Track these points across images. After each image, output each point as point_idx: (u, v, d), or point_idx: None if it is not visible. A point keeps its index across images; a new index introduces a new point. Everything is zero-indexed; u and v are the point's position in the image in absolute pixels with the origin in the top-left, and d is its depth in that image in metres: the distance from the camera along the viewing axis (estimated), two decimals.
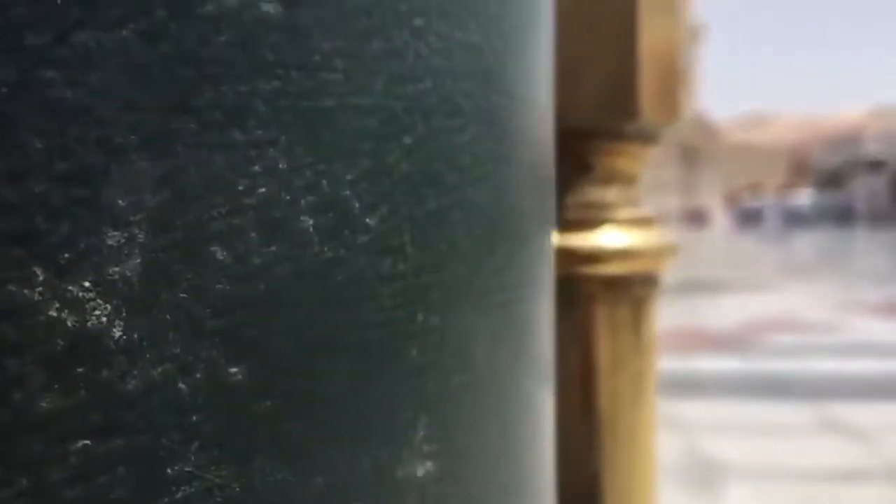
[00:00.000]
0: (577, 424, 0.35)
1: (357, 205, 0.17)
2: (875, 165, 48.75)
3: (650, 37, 0.33)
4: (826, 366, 5.72)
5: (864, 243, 25.60)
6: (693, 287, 11.45)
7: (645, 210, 0.36)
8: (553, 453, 0.25)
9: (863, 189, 49.39)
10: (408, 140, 0.18)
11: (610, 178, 0.36)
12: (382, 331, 0.18)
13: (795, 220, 46.16)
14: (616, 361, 0.37)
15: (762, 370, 5.50)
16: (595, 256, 0.34)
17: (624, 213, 0.36)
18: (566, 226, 0.35)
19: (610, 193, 0.36)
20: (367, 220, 0.17)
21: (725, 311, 8.84)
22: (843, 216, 46.28)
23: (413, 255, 0.18)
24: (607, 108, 0.33)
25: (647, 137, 0.36)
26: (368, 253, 0.18)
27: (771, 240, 27.09)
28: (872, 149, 50.42)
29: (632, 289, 0.36)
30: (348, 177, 0.17)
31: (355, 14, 0.17)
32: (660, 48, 0.34)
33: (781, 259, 18.52)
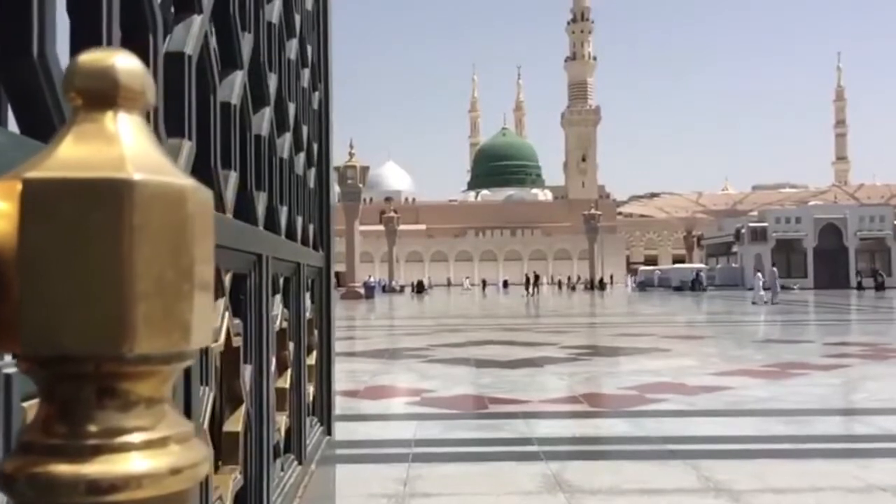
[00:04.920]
0: None
1: None
2: (758, 235, 51.93)
3: (146, 263, 0.35)
4: (707, 428, 5.94)
5: (751, 307, 26.87)
6: (590, 352, 11.71)
7: (173, 429, 0.37)
8: None
9: (749, 257, 52.35)
10: None
11: (131, 403, 0.37)
12: None
13: (689, 285, 48.12)
14: None
15: (648, 434, 5.64)
16: (118, 484, 0.34)
17: (147, 436, 0.36)
18: (88, 453, 0.35)
19: (132, 418, 0.36)
20: None
21: (619, 376, 9.06)
22: (731, 282, 48.50)
23: None
24: (111, 338, 0.35)
25: (162, 361, 0.37)
26: None
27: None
28: (754, 221, 53.72)
29: None
30: None
31: None
32: (159, 274, 0.35)
33: (673, 323, 19.16)
